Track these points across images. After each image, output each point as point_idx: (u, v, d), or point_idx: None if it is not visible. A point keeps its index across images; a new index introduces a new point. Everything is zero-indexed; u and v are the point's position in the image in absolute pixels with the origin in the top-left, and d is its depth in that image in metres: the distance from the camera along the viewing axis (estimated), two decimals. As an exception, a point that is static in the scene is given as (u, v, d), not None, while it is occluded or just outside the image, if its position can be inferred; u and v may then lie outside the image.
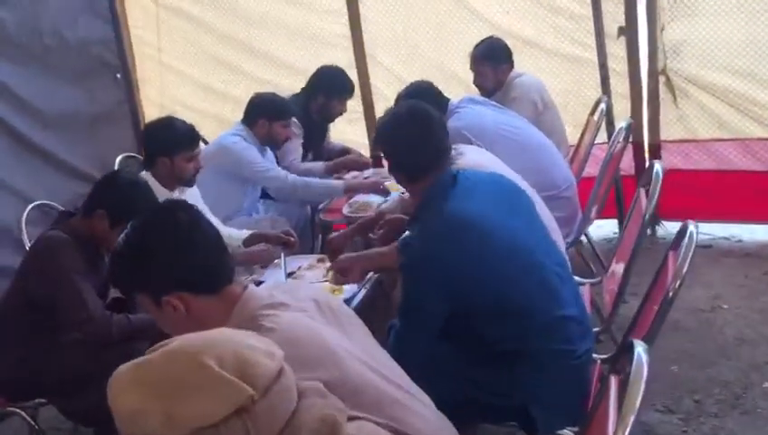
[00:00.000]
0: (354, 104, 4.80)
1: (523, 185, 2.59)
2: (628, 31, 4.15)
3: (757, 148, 4.11)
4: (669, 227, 4.47)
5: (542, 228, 2.14)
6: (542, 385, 1.95)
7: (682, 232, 2.00)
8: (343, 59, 4.73)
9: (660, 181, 2.45)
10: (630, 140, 4.31)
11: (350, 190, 3.57)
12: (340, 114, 4.12)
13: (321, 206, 3.72)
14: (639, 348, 1.45)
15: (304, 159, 4.04)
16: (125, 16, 4.99)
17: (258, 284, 2.74)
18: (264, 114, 3.58)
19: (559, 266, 2.08)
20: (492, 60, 3.97)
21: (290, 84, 4.79)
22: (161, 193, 2.92)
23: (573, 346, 2.00)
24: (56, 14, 4.33)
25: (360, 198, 3.59)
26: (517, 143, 3.23)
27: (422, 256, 1.95)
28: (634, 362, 1.42)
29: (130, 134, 4.94)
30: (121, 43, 4.75)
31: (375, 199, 3.49)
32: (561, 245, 2.56)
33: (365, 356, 1.46)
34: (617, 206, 4.49)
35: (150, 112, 5.22)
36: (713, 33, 4.01)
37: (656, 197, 2.42)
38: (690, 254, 1.93)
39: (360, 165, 4.19)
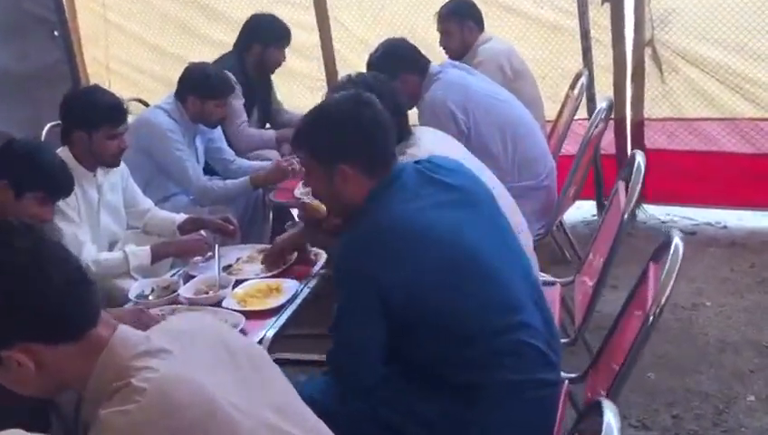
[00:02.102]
0: (315, 70, 4.45)
1: (486, 176, 2.27)
2: (614, -3, 3.80)
3: (747, 128, 3.81)
4: (651, 211, 4.19)
5: (500, 229, 1.81)
6: (500, 424, 1.64)
7: (666, 244, 1.69)
8: (305, 21, 4.35)
9: (642, 175, 2.14)
10: (612, 116, 4.04)
11: (258, 185, 3.20)
12: (279, 64, 3.78)
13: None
14: (609, 414, 1.14)
15: (249, 119, 3.70)
16: (65, -34, 4.55)
17: (189, 278, 2.42)
18: (194, 91, 3.17)
19: (520, 276, 1.76)
20: (458, 16, 3.63)
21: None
22: (78, 172, 2.58)
23: (535, 375, 1.69)
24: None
25: None
26: (503, 118, 2.92)
27: (350, 267, 1.64)
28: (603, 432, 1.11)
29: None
30: (58, -3, 4.30)
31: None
32: (528, 244, 2.24)
33: (275, 416, 1.16)
34: (595, 187, 4.18)
35: (95, 72, 4.82)
36: (705, 2, 3.66)
37: (636, 193, 2.10)
38: (674, 273, 1.62)
39: None
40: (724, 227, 3.99)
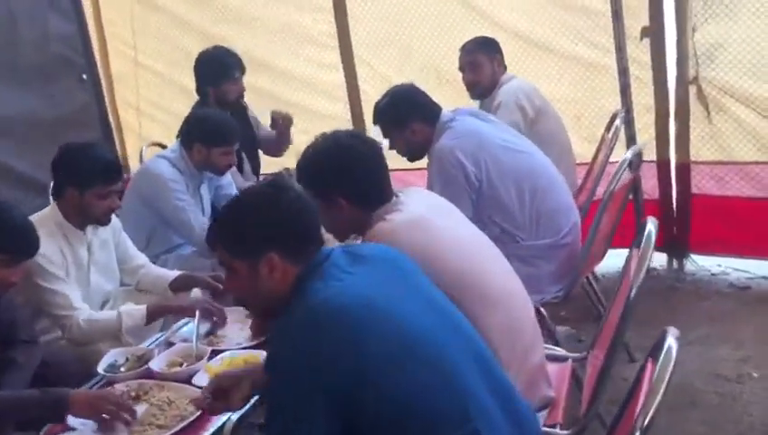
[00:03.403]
0: (341, 111, 4.31)
1: (482, 240, 2.05)
2: (654, 32, 3.51)
3: (805, 174, 3.44)
4: (702, 261, 3.84)
5: (440, 307, 1.60)
6: None
7: (659, 343, 1.42)
8: (330, 60, 4.23)
9: (653, 245, 1.86)
10: (653, 159, 3.74)
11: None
12: (241, 95, 3.57)
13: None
14: None
15: (242, 162, 3.57)
16: (98, 10, 4.58)
17: (169, 346, 2.27)
18: (199, 139, 3.06)
19: (471, 360, 1.52)
20: (487, 49, 3.43)
21: (271, 87, 4.34)
22: (68, 230, 2.49)
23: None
24: (12, 7, 3.92)
25: None
26: (520, 169, 2.68)
27: (287, 356, 1.44)
28: None
29: (100, 136, 4.51)
30: (86, 39, 4.29)
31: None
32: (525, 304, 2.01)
33: None
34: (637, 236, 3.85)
35: (125, 116, 4.82)
36: (754, 36, 3.33)
37: (646, 264, 1.83)
38: (664, 382, 1.35)
39: None
40: (783, 281, 3.60)
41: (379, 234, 1.89)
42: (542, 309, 2.66)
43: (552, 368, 2.20)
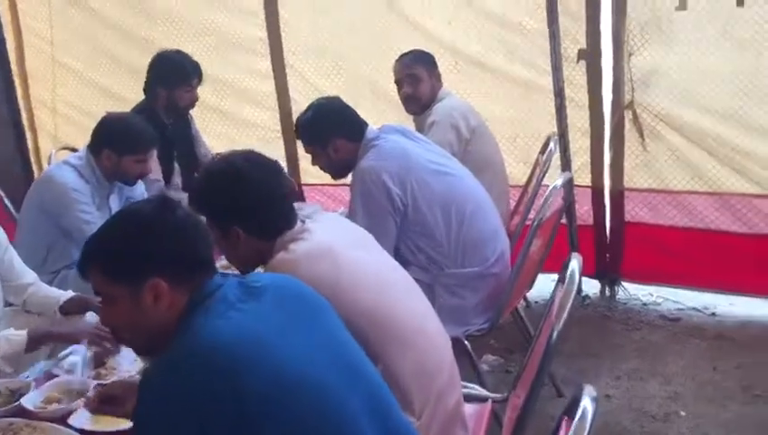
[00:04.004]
0: (270, 120, 4.11)
1: (397, 275, 1.89)
2: (590, 54, 3.43)
3: (739, 205, 3.39)
4: (633, 290, 3.77)
5: (349, 349, 1.42)
6: None
7: (575, 401, 1.27)
8: (260, 67, 4.03)
9: (576, 283, 1.73)
10: (589, 183, 3.66)
11: None
12: (192, 104, 3.38)
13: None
14: None
15: (171, 176, 3.34)
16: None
17: (50, 378, 2.03)
18: (110, 144, 2.82)
19: (368, 410, 1.36)
20: (425, 62, 3.28)
21: (199, 92, 4.10)
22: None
23: None
24: None
25: None
26: (448, 193, 2.52)
27: (164, 398, 1.25)
28: None
29: (11, 137, 4.22)
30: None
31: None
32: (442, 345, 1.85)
33: None
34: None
35: (41, 115, 4.52)
36: (690, 63, 3.28)
37: (568, 306, 1.69)
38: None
39: None
40: (713, 314, 3.54)
41: (278, 266, 1.72)
42: (465, 342, 2.52)
43: (471, 409, 2.05)
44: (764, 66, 3.15)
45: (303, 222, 1.84)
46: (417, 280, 2.47)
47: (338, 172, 2.70)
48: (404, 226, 2.49)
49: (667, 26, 3.27)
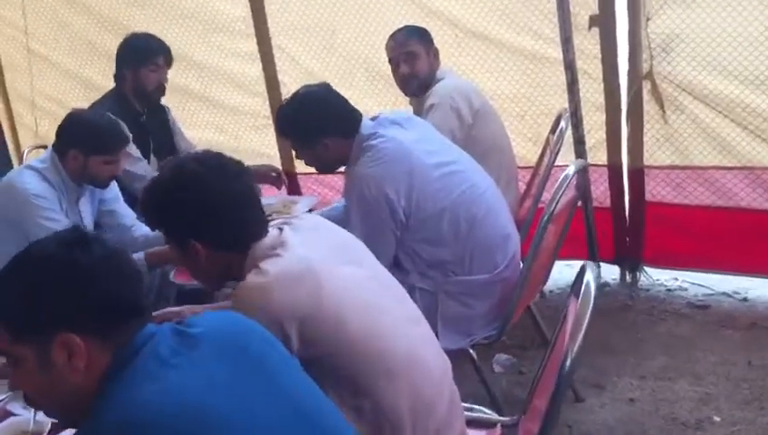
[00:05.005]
0: (260, 106, 3.84)
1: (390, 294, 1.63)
2: (603, 21, 3.11)
3: (771, 180, 3.09)
4: (657, 275, 3.49)
5: (307, 401, 1.17)
6: None
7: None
8: (246, 50, 3.75)
9: (593, 295, 1.45)
10: (606, 162, 3.37)
11: (155, 264, 2.52)
12: (160, 86, 3.13)
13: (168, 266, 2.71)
14: None
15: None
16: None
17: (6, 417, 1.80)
18: (77, 144, 2.57)
19: None
20: (422, 38, 2.98)
21: (182, 80, 3.84)
22: None
23: None
24: None
25: None
26: (455, 194, 2.23)
27: None
28: None
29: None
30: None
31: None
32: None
33: None
34: (588, 249, 3.49)
35: (19, 109, 4.28)
36: (714, 26, 2.95)
37: (584, 326, 1.42)
38: None
39: (271, 180, 3.21)
40: (744, 298, 3.26)
41: (246, 294, 1.47)
42: (471, 352, 2.27)
43: (476, 435, 1.81)
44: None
45: (281, 230, 1.58)
46: (418, 288, 2.24)
47: (327, 169, 2.44)
48: (405, 236, 2.22)
49: (688, -16, 2.94)
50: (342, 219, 2.23)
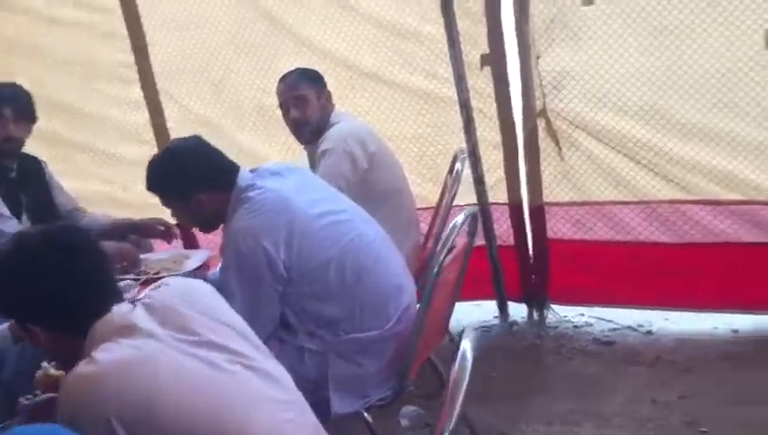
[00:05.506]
0: (148, 155, 3.58)
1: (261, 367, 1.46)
2: (494, 60, 3.09)
3: (667, 213, 3.10)
4: (564, 312, 3.45)
5: None
6: None
7: None
8: (131, 96, 3.56)
9: (468, 370, 1.35)
10: (506, 200, 3.33)
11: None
12: (10, 138, 2.75)
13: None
14: None
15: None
16: None
17: None
18: None
19: None
20: (312, 81, 2.87)
21: (64, 131, 3.62)
22: None
23: None
24: None
25: None
26: (341, 244, 2.10)
27: None
28: None
29: None
30: None
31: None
32: None
33: None
34: (495, 287, 3.43)
35: None
36: (602, 62, 2.97)
37: (459, 398, 1.31)
38: None
39: (159, 234, 2.99)
40: (649, 331, 3.24)
41: (73, 387, 1.29)
42: (366, 415, 2.13)
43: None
44: (684, 56, 2.85)
45: (134, 304, 1.41)
46: (306, 349, 2.10)
47: (206, 226, 2.28)
48: (288, 291, 2.07)
49: (575, 23, 2.95)
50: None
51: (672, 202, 3.07)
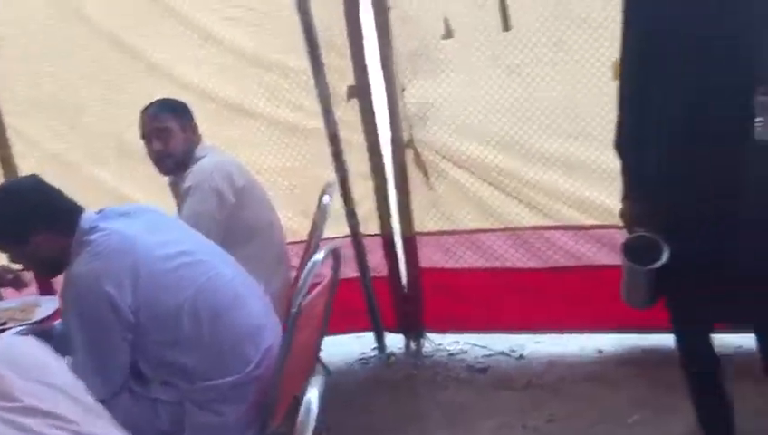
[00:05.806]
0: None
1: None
2: (360, 92, 3.09)
3: (533, 239, 3.18)
4: (439, 340, 3.47)
5: None
6: None
7: None
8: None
9: (312, 418, 1.30)
10: (378, 231, 3.32)
11: None
12: None
13: None
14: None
15: None
16: None
17: None
18: None
19: None
20: (176, 111, 2.74)
21: None
22: None
23: None
24: None
25: None
26: (195, 287, 1.98)
27: None
28: None
29: None
30: None
31: None
32: None
33: None
34: (371, 317, 3.41)
35: None
36: (464, 93, 3.03)
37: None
38: None
39: (7, 282, 2.75)
40: (521, 356, 3.31)
41: None
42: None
43: None
44: (537, 91, 2.95)
45: None
46: (161, 401, 1.98)
47: (46, 271, 2.12)
48: (139, 337, 1.94)
49: (436, 56, 2.99)
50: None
51: (536, 228, 3.15)
